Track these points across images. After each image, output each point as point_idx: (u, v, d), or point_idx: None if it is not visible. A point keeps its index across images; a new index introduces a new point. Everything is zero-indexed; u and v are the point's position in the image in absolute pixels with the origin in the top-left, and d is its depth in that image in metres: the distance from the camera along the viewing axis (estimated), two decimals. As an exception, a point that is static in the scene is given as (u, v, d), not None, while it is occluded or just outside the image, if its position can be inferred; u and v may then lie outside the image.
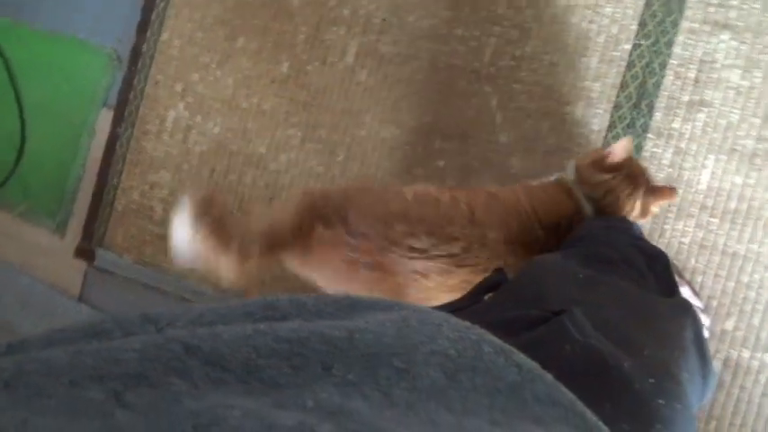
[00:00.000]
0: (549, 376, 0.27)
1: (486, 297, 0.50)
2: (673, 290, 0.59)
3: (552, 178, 0.87)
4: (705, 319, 0.91)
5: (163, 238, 1.15)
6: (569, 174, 0.85)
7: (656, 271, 0.60)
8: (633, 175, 0.81)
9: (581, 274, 0.53)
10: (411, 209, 0.75)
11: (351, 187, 0.84)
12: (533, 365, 0.27)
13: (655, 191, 0.82)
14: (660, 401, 0.37)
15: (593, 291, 0.49)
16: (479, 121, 1.04)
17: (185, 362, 0.22)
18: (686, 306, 0.55)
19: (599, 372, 0.37)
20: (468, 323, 0.29)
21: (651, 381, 0.38)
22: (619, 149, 0.80)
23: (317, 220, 0.75)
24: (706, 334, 0.91)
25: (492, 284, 0.52)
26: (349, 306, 0.28)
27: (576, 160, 0.86)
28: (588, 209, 0.81)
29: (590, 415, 0.26)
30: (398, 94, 1.07)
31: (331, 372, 0.23)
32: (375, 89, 1.08)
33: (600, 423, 0.26)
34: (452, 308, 0.46)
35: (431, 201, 0.77)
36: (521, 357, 0.27)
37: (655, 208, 0.83)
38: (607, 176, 0.80)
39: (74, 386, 0.20)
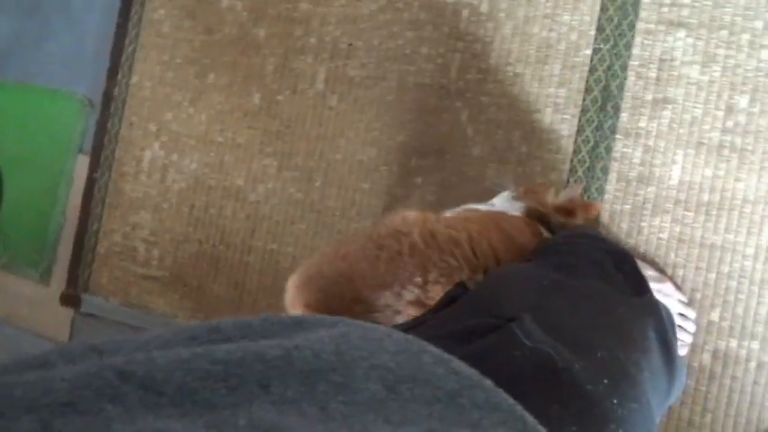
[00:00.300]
0: (488, 382, 0.27)
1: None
2: (642, 289, 0.60)
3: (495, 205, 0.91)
4: (690, 313, 0.92)
5: (148, 279, 1.14)
6: (509, 209, 0.87)
7: (624, 271, 0.61)
8: (583, 203, 0.91)
9: (546, 280, 0.54)
10: (430, 259, 0.65)
11: (339, 254, 0.70)
12: (472, 373, 0.28)
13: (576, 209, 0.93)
14: (614, 401, 0.38)
15: (557, 295, 0.50)
16: (452, 136, 1.06)
17: (119, 388, 0.22)
18: (651, 306, 0.56)
19: (548, 375, 0.38)
20: (409, 336, 0.29)
21: (605, 382, 0.39)
22: (576, 193, 0.91)
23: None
24: (692, 328, 0.92)
25: (453, 298, 0.52)
26: (294, 325, 0.29)
27: (534, 204, 0.88)
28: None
29: (529, 418, 0.26)
30: (371, 116, 1.08)
31: (268, 390, 0.23)
32: (347, 113, 1.09)
33: (539, 426, 0.26)
34: (413, 323, 0.46)
35: (448, 243, 0.67)
36: (460, 366, 0.28)
37: None
38: (581, 217, 0.88)
39: (0, 418, 0.20)
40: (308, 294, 0.67)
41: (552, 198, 0.89)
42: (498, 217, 0.81)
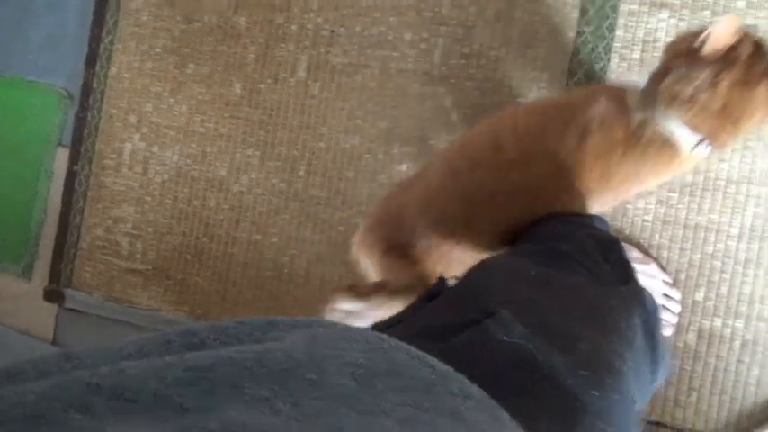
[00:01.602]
0: (461, 376, 0.27)
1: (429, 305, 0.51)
2: (627, 278, 0.59)
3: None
4: (675, 293, 0.92)
5: (131, 272, 1.13)
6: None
7: (611, 260, 0.61)
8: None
9: (533, 270, 0.53)
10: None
11: (401, 187, 0.80)
12: (447, 367, 0.28)
13: None
14: (595, 393, 0.38)
15: (541, 287, 0.50)
16: (436, 122, 1.05)
17: (87, 398, 0.22)
18: (636, 295, 0.55)
19: (525, 371, 0.37)
20: (383, 335, 0.29)
21: (586, 374, 0.39)
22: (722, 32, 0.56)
23: (397, 252, 0.70)
24: (677, 308, 0.92)
25: (434, 293, 0.52)
26: (268, 325, 0.29)
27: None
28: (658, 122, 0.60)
29: (503, 412, 0.27)
30: (354, 103, 1.07)
31: (242, 391, 0.23)
32: (330, 101, 1.08)
33: (512, 420, 0.26)
34: (395, 320, 0.46)
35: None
36: (434, 360, 0.28)
37: None
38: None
39: None
40: (369, 230, 0.76)
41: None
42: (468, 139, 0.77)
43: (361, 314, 0.64)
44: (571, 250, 0.61)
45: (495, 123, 0.73)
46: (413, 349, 0.28)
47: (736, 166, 0.93)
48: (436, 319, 0.44)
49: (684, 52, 0.60)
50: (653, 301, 0.58)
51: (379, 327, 0.43)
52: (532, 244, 0.66)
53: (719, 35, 0.57)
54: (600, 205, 0.72)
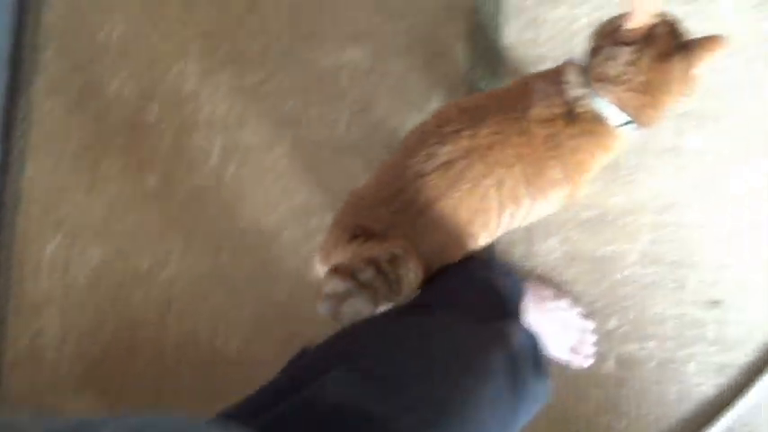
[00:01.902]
0: None
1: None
2: (502, 315, 0.62)
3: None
4: (589, 324, 0.97)
5: (60, 380, 1.10)
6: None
7: (491, 300, 0.64)
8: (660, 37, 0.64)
9: (399, 318, 0.56)
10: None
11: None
12: None
13: (692, 46, 0.64)
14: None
15: (395, 337, 0.52)
16: (351, 187, 1.09)
17: None
18: (499, 332, 0.58)
19: (351, 427, 0.40)
20: (200, 420, 0.32)
21: (424, 416, 0.41)
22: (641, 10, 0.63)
23: (363, 238, 0.67)
24: (593, 338, 0.97)
25: (299, 355, 0.55)
26: (81, 425, 0.30)
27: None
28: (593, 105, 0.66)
29: None
30: (269, 181, 1.11)
31: None
32: (246, 180, 1.11)
33: None
34: (262, 390, 0.48)
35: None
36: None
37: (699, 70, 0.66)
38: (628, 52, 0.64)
39: None
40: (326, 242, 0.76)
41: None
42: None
43: (355, 293, 0.56)
44: (454, 294, 0.64)
45: (439, 109, 0.77)
46: (222, 428, 0.31)
47: (625, 198, 1.01)
48: (281, 385, 0.46)
49: (610, 33, 0.67)
50: (528, 338, 0.61)
51: (236, 405, 0.45)
52: (419, 294, 0.69)
53: (639, 15, 0.63)
54: (559, 185, 0.70)
